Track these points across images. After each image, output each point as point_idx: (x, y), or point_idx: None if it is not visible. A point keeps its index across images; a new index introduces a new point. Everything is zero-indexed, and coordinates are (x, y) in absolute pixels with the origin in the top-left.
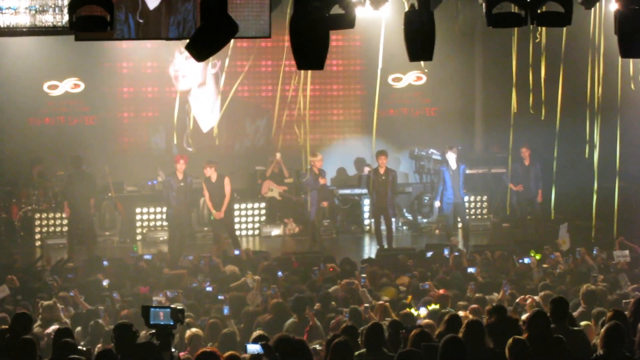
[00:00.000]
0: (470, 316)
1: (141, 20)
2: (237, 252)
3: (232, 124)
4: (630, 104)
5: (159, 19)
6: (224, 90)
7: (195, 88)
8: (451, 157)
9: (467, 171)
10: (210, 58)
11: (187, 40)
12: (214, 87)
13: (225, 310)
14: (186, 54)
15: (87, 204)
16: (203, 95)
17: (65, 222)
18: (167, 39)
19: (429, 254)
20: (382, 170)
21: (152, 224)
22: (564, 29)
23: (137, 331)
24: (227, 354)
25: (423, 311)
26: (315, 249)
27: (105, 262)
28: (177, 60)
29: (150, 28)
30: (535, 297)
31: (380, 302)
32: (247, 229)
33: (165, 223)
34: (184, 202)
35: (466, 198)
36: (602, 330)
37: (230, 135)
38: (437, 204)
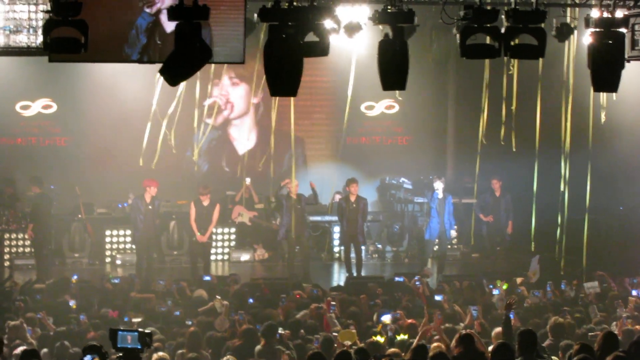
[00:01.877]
0: (443, 346)
1: (159, 42)
2: (207, 278)
3: (210, 149)
4: (601, 138)
5: (121, 42)
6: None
7: (238, 115)
8: (439, 186)
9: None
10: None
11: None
12: (252, 116)
13: None
14: (235, 79)
15: (50, 225)
16: (243, 122)
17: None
18: (127, 61)
19: (398, 279)
20: (353, 198)
21: (121, 246)
22: (540, 61)
23: (106, 353)
24: None
25: (387, 318)
26: (286, 275)
27: (75, 276)
28: (224, 85)
29: (166, 52)
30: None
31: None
32: (216, 253)
33: (135, 246)
34: (152, 225)
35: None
36: None
37: (203, 159)
38: (427, 234)
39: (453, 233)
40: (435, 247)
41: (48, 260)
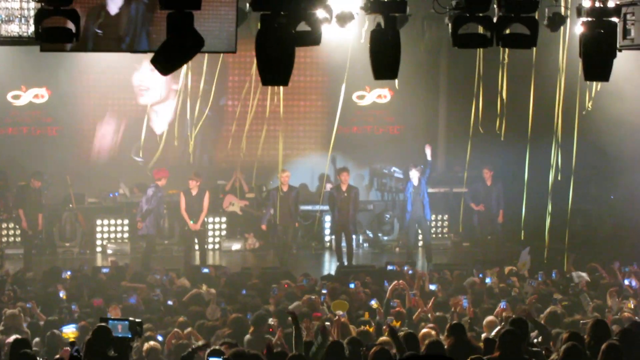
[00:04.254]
0: (433, 333)
1: (100, 32)
2: (205, 270)
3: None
4: (592, 127)
5: (117, 31)
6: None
7: (157, 102)
8: (414, 175)
9: (430, 190)
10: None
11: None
12: (174, 103)
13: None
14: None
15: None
16: (163, 109)
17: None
18: (120, 51)
19: (390, 267)
20: (344, 187)
21: (112, 235)
22: (534, 51)
23: (113, 339)
24: None
25: (374, 302)
26: (276, 264)
27: (68, 272)
28: (143, 70)
29: (108, 40)
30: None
31: (337, 317)
32: (207, 243)
33: (125, 235)
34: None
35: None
36: (561, 350)
37: (194, 149)
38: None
39: (430, 221)
40: (420, 237)
41: (35, 250)
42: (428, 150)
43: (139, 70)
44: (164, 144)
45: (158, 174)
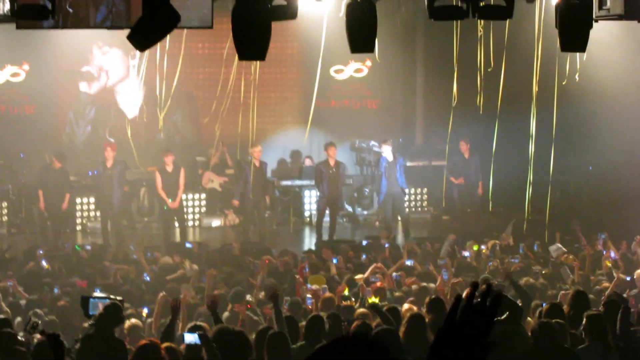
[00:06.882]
0: (415, 308)
1: (70, 10)
2: (189, 245)
3: (168, 114)
4: (569, 98)
5: (87, 8)
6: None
7: (119, 81)
8: (386, 149)
9: (408, 163)
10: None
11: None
12: (135, 78)
13: None
14: (104, 49)
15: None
16: (126, 87)
17: (5, 211)
18: (94, 27)
19: (365, 242)
20: (332, 162)
21: (92, 214)
22: (507, 22)
23: (124, 317)
24: (164, 344)
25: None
26: (256, 240)
27: (40, 251)
28: (96, 57)
29: (80, 17)
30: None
31: (316, 291)
32: (187, 220)
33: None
34: (110, 189)
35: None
36: (535, 323)
37: (166, 126)
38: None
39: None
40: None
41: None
42: (386, 147)
43: (91, 58)
44: (133, 125)
45: (104, 146)
